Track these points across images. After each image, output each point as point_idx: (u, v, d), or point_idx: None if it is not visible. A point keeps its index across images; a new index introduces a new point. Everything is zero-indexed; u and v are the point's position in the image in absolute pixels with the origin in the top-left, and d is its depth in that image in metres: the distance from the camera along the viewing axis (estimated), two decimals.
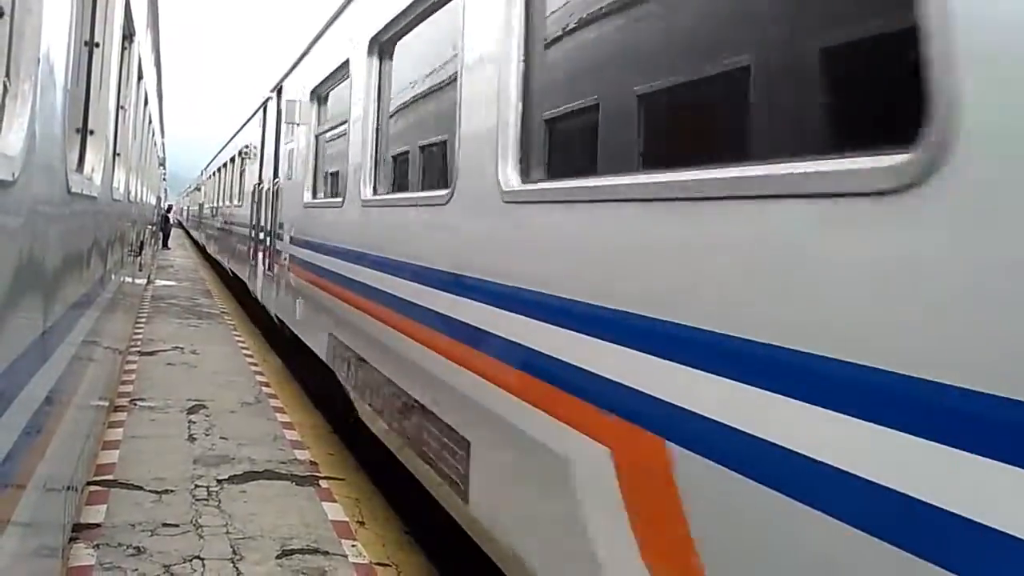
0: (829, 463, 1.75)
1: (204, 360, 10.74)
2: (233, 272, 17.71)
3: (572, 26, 3.44)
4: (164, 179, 38.48)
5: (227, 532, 5.06)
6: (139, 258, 11.61)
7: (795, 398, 1.86)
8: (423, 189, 5.34)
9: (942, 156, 1.55)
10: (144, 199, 13.43)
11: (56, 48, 2.59)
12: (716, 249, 2.19)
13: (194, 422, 7.59)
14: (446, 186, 4.30)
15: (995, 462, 1.44)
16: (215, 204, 26.27)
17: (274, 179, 11.20)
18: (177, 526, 5.10)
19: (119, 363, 8.51)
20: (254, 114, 14.90)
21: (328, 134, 8.28)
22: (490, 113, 3.68)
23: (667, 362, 2.33)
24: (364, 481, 6.33)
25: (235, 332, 13.66)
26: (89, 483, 5.50)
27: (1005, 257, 1.46)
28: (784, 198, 1.96)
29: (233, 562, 4.65)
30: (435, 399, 4.29)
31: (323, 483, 6.13)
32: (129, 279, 9.02)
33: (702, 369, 2.18)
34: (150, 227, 19.00)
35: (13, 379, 2.20)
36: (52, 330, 2.87)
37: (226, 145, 23.21)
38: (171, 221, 43.90)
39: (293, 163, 9.83)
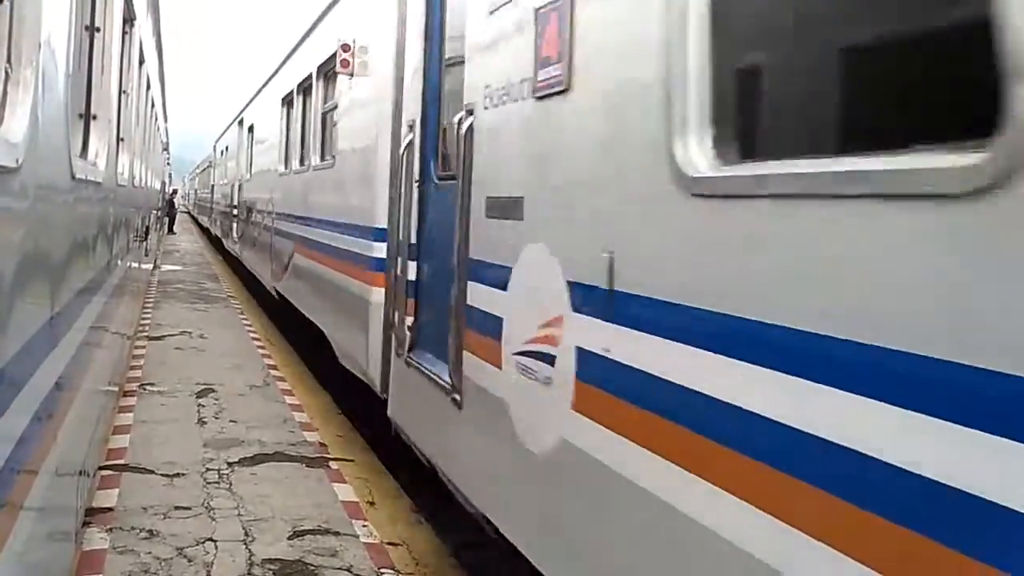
0: None
1: (212, 344, 10.77)
2: (302, 311, 9.58)
3: None
4: (168, 163, 38.47)
5: (239, 514, 5.09)
6: (145, 243, 11.61)
7: None
8: None
9: None
10: (149, 184, 13.42)
11: (57, 33, 2.58)
12: None
13: (203, 406, 7.63)
14: None
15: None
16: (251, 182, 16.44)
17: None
18: (189, 509, 5.13)
19: (127, 348, 8.54)
20: None
21: None
22: None
23: None
24: (373, 462, 6.37)
25: (242, 316, 13.69)
26: (101, 468, 5.54)
27: None
28: None
29: (245, 543, 4.68)
30: None
31: (333, 464, 6.16)
32: (135, 264, 9.04)
33: None
34: (155, 212, 19.00)
35: (22, 365, 2.21)
36: (59, 316, 2.88)
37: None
38: (176, 206, 43.86)
39: None
